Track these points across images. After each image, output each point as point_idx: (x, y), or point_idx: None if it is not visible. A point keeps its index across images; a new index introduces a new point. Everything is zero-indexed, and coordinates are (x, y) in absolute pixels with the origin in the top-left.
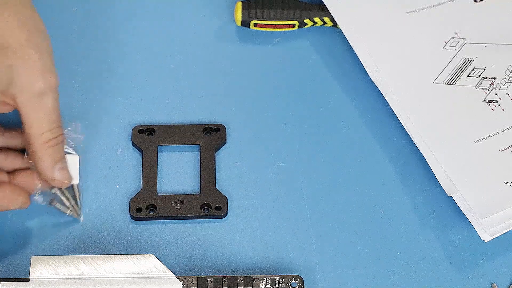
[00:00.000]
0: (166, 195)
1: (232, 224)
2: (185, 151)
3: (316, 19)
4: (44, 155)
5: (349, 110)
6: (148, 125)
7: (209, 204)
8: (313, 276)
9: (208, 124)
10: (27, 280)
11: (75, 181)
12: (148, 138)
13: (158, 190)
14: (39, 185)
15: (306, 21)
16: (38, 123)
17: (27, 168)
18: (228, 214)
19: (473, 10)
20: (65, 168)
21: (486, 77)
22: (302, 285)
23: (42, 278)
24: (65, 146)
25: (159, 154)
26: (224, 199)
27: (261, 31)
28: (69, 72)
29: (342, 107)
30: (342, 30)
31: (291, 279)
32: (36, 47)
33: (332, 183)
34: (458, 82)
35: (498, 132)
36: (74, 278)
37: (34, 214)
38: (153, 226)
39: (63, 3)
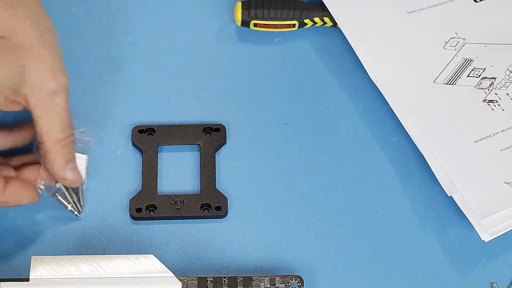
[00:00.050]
0: (166, 195)
1: (232, 224)
2: (185, 151)
3: (316, 19)
4: (56, 155)
5: (349, 110)
6: (148, 125)
7: (209, 204)
8: (313, 276)
9: (208, 124)
10: (27, 280)
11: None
12: (148, 138)
13: (158, 190)
14: (43, 174)
15: (306, 21)
16: (50, 123)
17: (34, 163)
18: (228, 214)
19: (473, 10)
20: (76, 168)
21: (486, 77)
22: (302, 285)
23: (42, 278)
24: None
25: (159, 154)
26: (224, 199)
27: (261, 31)
28: (69, 72)
29: (342, 107)
30: (342, 30)
31: (291, 279)
32: (47, 47)
33: (332, 183)
34: (458, 82)
35: (498, 132)
36: (74, 278)
37: (34, 214)
38: (153, 226)
39: (63, 3)
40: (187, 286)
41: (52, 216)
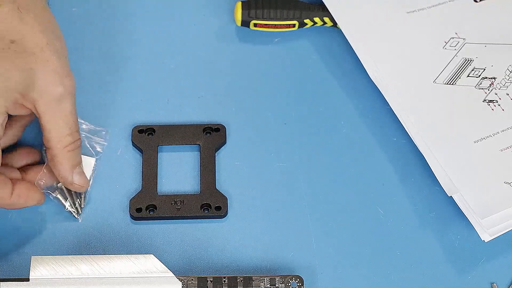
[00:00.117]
0: (166, 195)
1: (232, 224)
2: (185, 151)
3: (316, 19)
4: (63, 159)
5: (349, 110)
6: (148, 125)
7: (209, 204)
8: (313, 276)
9: (208, 124)
10: (27, 280)
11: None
12: (148, 138)
13: (158, 190)
14: (45, 171)
15: (306, 21)
16: (58, 128)
17: (37, 164)
18: (228, 214)
19: (473, 10)
20: (82, 172)
21: (486, 77)
22: (302, 285)
23: (42, 278)
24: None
25: (159, 154)
26: (224, 199)
27: (261, 31)
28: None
29: (342, 107)
30: (342, 30)
31: (291, 279)
32: (55, 51)
33: (332, 183)
34: (458, 82)
35: (498, 132)
36: (74, 278)
37: (34, 214)
38: (153, 226)
39: (63, 3)
40: (187, 286)
41: (52, 217)
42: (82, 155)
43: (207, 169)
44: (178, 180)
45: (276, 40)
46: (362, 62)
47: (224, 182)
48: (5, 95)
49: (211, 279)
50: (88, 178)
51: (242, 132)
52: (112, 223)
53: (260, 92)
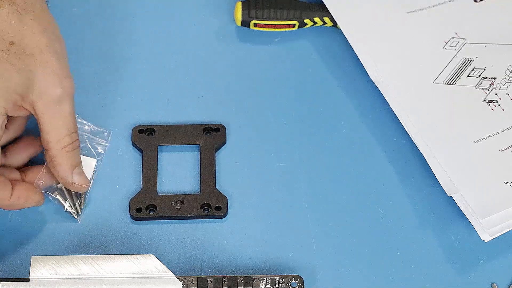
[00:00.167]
0: (166, 195)
1: (232, 224)
2: (185, 151)
3: (316, 19)
4: (62, 160)
5: (349, 110)
6: (148, 125)
7: (209, 204)
8: (313, 276)
9: (208, 124)
10: (27, 280)
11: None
12: (148, 138)
13: (158, 190)
14: (45, 172)
15: (306, 21)
16: (57, 129)
17: (37, 165)
18: (228, 214)
19: (473, 10)
20: (82, 172)
21: (486, 77)
22: (302, 285)
23: (42, 278)
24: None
25: (159, 154)
26: (224, 199)
27: (261, 31)
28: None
29: (342, 107)
30: (342, 30)
31: (291, 279)
32: (55, 53)
33: (332, 183)
34: (458, 82)
35: (498, 132)
36: (74, 278)
37: (34, 214)
38: (153, 226)
39: (63, 3)
40: (187, 286)
41: (52, 216)
42: (83, 156)
43: (207, 169)
44: (178, 180)
45: (276, 40)
46: (362, 62)
47: (224, 182)
48: (4, 97)
49: (211, 279)
50: (89, 179)
51: (242, 132)
52: (112, 223)
53: (260, 92)
